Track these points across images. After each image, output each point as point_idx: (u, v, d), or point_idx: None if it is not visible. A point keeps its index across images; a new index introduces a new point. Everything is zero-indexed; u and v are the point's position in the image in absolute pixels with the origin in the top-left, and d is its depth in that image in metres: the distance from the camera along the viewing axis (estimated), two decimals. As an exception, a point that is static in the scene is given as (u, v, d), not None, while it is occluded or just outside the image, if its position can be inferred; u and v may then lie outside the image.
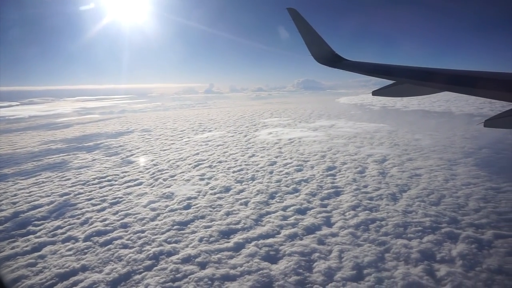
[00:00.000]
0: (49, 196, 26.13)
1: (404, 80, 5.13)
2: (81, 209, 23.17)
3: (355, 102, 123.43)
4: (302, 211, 21.12)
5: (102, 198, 25.25)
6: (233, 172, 31.09)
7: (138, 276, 14.79)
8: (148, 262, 15.89)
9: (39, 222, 21.14)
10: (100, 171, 33.78)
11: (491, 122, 3.83)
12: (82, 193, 26.55)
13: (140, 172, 32.98)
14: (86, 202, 24.42)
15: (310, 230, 18.49)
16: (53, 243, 18.31)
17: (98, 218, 21.47)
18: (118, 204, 23.80)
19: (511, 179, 25.36)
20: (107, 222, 20.73)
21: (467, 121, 61.24)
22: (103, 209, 23.05)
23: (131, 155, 42.15)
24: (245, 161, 35.19)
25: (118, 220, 20.91)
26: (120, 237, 18.60)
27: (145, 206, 23.12)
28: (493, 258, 15.05)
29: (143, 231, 19.22)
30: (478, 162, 31.30)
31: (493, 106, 75.88)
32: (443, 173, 27.98)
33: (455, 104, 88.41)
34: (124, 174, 32.40)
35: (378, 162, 32.44)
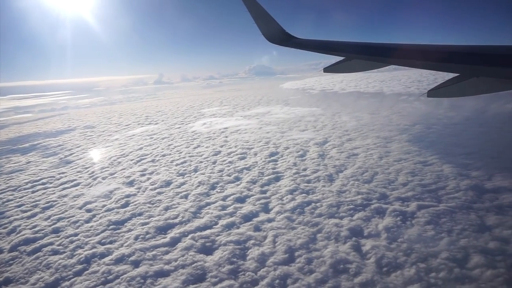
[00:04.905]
0: (-28, 206, 24.19)
1: (353, 56, 5.25)
2: (8, 217, 21.74)
3: (297, 87, 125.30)
4: (242, 199, 21.33)
5: (34, 203, 23.82)
6: (176, 165, 30.62)
7: (66, 283, 14.23)
8: (79, 267, 15.33)
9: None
10: (34, 174, 31.81)
11: (434, 92, 3.99)
12: (11, 200, 24.88)
13: (78, 172, 31.49)
14: (15, 209, 22.93)
15: (248, 217, 18.74)
16: (-27, 258, 17.06)
17: (27, 225, 20.26)
18: (51, 208, 22.60)
19: (438, 152, 27.27)
20: (37, 229, 19.63)
21: (398, 99, 64.68)
22: (34, 215, 21.78)
23: (70, 154, 40.05)
24: (189, 153, 34.77)
25: (50, 226, 19.89)
26: (51, 243, 17.74)
27: (80, 208, 22.17)
28: (414, 228, 16.21)
29: (76, 235, 18.47)
30: (410, 138, 33.29)
31: (420, 85, 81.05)
32: (378, 151, 29.41)
33: (387, 84, 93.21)
34: (60, 175, 30.75)
35: (319, 144, 33.43)
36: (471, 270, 12.62)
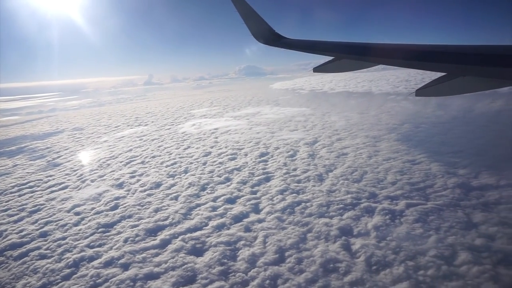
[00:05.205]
0: (-44, 212, 23.70)
1: (342, 56, 5.26)
2: (-6, 222, 21.36)
3: (287, 87, 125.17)
4: (232, 200, 21.30)
5: (21, 207, 23.43)
6: (166, 166, 30.44)
7: (54, 288, 14.04)
8: (67, 271, 15.11)
9: None
10: (21, 178, 31.28)
11: (422, 91, 4.02)
12: (-3, 204, 24.47)
13: (66, 174, 31.06)
14: (1, 214, 22.54)
15: (238, 218, 18.71)
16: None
17: (14, 230, 19.93)
18: (39, 212, 22.26)
19: (426, 151, 27.62)
20: (24, 233, 19.31)
21: (386, 99, 65.27)
22: (21, 219, 21.43)
23: (58, 157, 39.46)
24: (179, 154, 34.59)
25: (37, 230, 19.58)
26: (38, 248, 17.45)
27: (68, 211, 21.87)
28: (403, 226, 16.36)
29: (64, 238, 18.21)
30: (399, 137, 33.62)
31: (407, 84, 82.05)
32: (368, 150, 29.62)
33: (376, 84, 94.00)
34: (48, 178, 30.30)
35: (309, 144, 33.56)
36: (459, 267, 12.79)
